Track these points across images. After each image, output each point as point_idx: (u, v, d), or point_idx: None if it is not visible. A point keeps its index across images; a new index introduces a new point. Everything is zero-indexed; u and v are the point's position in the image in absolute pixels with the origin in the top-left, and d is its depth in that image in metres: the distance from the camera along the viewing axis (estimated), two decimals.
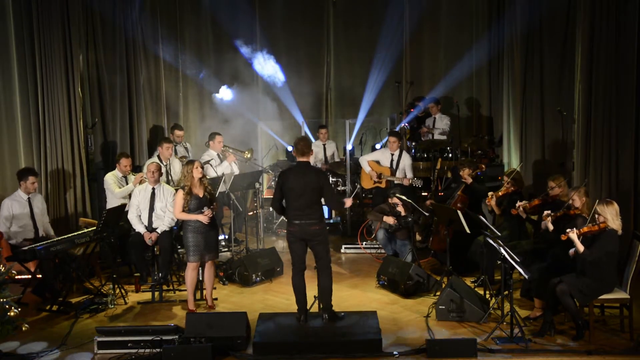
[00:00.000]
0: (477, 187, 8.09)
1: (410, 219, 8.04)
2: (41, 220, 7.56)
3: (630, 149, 7.73)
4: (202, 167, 6.83)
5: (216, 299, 7.23)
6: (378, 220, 8.34)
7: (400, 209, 8.11)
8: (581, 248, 5.82)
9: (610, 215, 5.87)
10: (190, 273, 6.79)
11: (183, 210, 6.67)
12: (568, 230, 5.86)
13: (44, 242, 7.00)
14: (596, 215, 6.00)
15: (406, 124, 10.92)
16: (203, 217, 6.62)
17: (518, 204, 7.05)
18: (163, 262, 7.39)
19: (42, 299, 7.14)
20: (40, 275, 7.30)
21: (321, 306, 6.35)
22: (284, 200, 6.31)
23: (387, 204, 8.35)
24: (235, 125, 11.40)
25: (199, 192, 6.72)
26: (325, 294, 6.25)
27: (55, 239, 7.18)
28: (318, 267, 6.27)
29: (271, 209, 10.45)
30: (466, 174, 8.06)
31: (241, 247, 8.98)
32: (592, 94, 7.89)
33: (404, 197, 8.06)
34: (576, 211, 6.38)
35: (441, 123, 10.70)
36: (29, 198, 7.45)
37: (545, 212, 6.45)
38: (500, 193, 7.53)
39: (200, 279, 7.07)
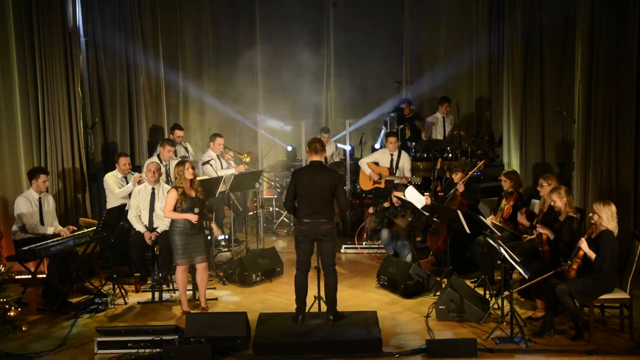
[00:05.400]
0: (469, 197, 8.00)
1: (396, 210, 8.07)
2: (50, 219, 7.59)
3: (630, 149, 7.73)
4: (193, 168, 6.79)
5: (216, 299, 7.24)
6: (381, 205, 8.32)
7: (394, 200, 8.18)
8: (593, 255, 5.81)
9: (606, 216, 5.87)
10: (180, 275, 6.78)
11: (175, 210, 6.66)
12: (579, 244, 5.85)
13: (44, 242, 7.00)
14: (590, 214, 6.01)
15: (406, 124, 10.92)
16: (193, 217, 6.61)
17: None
18: (163, 262, 7.39)
19: (48, 299, 7.15)
20: (44, 276, 7.33)
21: (325, 306, 6.34)
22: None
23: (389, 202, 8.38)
24: (235, 126, 11.43)
25: (191, 192, 6.71)
26: (331, 293, 6.26)
27: (56, 239, 7.18)
28: (323, 266, 6.28)
29: (272, 207, 10.57)
30: (458, 178, 8.02)
31: (241, 247, 8.98)
32: (592, 94, 7.88)
33: (403, 197, 8.07)
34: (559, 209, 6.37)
35: (449, 123, 10.69)
36: (39, 197, 7.48)
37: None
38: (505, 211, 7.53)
39: (192, 280, 7.08)
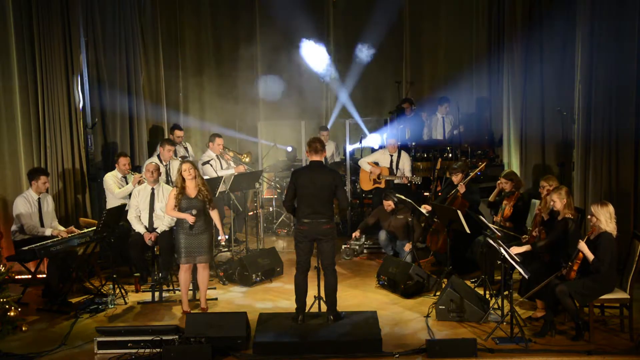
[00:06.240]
0: (470, 198, 8.00)
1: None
2: (49, 220, 7.59)
3: (631, 149, 7.73)
4: (195, 169, 6.77)
5: (216, 299, 7.24)
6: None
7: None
8: (591, 257, 5.81)
9: (604, 217, 5.86)
10: (182, 275, 6.80)
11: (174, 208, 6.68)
12: (578, 245, 5.87)
13: (44, 242, 7.00)
14: (589, 216, 6.00)
15: (406, 126, 10.91)
16: (190, 218, 6.61)
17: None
18: (163, 262, 7.39)
19: (48, 299, 7.15)
20: (44, 276, 7.33)
21: (326, 306, 6.34)
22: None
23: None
24: (235, 126, 11.41)
25: (191, 193, 6.71)
26: (331, 293, 6.26)
27: (56, 239, 7.18)
28: (323, 266, 6.28)
29: (272, 207, 10.57)
30: (457, 180, 8.01)
31: (241, 247, 8.98)
32: (592, 94, 7.89)
33: (403, 197, 8.07)
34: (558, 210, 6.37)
35: (449, 123, 10.68)
36: (39, 198, 7.48)
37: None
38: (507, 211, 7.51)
39: (192, 280, 7.08)
